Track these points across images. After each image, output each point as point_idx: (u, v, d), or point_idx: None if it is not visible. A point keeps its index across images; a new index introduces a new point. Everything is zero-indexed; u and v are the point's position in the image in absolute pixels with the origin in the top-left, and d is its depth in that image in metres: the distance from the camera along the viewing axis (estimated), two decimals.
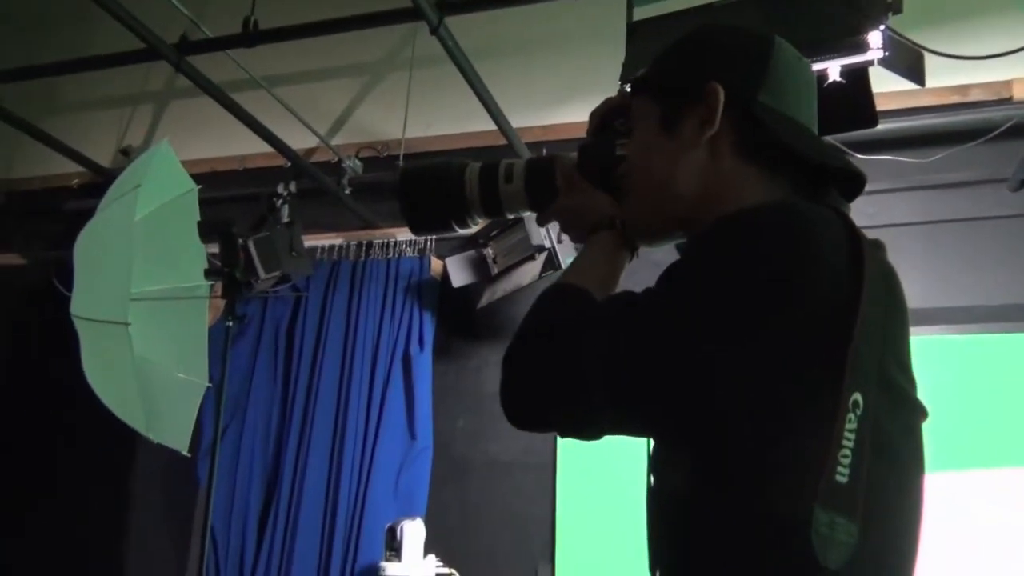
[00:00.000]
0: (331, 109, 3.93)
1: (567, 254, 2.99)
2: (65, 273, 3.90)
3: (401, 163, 3.68)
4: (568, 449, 3.21)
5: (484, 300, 3.27)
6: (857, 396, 0.76)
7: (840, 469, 0.75)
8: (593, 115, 1.16)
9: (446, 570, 2.96)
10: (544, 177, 1.16)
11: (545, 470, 3.28)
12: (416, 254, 3.63)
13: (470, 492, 3.35)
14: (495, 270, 3.20)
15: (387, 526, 2.97)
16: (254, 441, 3.48)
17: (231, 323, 2.32)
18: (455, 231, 1.25)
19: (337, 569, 3.20)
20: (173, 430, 2.27)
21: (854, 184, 0.98)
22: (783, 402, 0.78)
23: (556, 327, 0.88)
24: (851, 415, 0.76)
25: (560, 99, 3.62)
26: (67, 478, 3.79)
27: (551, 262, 3.02)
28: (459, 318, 3.50)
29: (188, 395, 2.33)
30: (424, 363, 3.41)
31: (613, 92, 1.24)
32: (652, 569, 0.90)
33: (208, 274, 2.39)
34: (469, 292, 3.35)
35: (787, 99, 0.98)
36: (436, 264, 3.58)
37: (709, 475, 0.81)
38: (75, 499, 3.73)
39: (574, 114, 3.59)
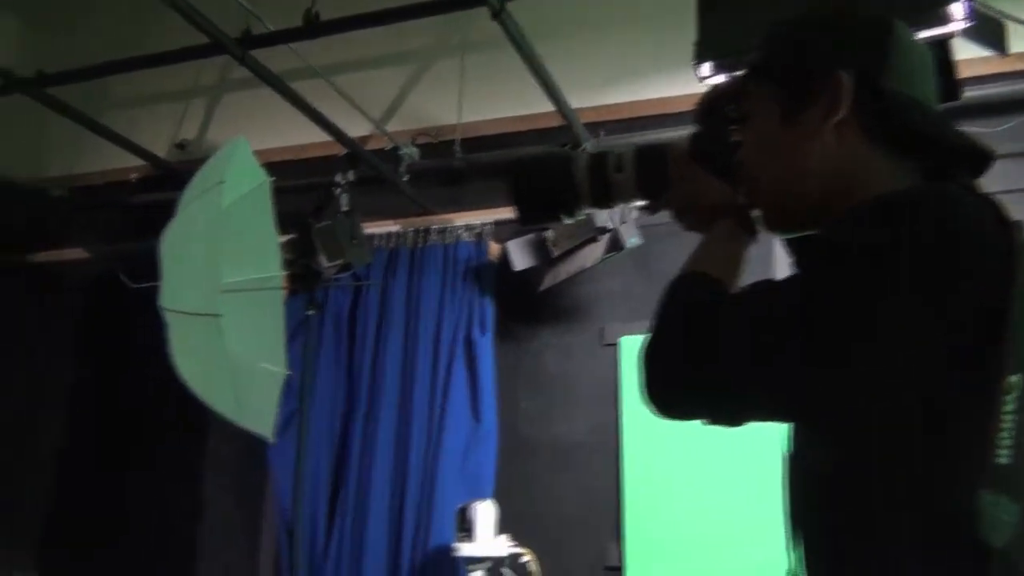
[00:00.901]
0: (383, 97, 3.95)
1: (631, 235, 2.99)
2: (129, 266, 3.99)
3: (458, 149, 3.70)
4: (634, 429, 3.23)
5: (546, 283, 3.28)
6: (1014, 378, 0.77)
7: (1000, 451, 0.76)
8: (702, 101, 1.16)
9: (519, 549, 2.99)
10: (656, 166, 1.16)
11: (610, 451, 3.30)
12: (473, 239, 3.65)
13: (536, 473, 3.39)
14: (556, 252, 3.21)
15: (458, 507, 3.01)
16: (319, 427, 3.53)
17: (312, 312, 2.36)
18: (561, 222, 1.26)
19: (408, 551, 3.25)
20: (259, 418, 2.32)
21: (980, 160, 0.97)
22: (944, 385, 0.78)
23: (693, 315, 0.89)
24: (1008, 396, 0.76)
25: (613, 79, 3.61)
26: (138, 466, 3.89)
27: (614, 243, 3.02)
28: (519, 301, 3.52)
29: (271, 384, 2.38)
30: (486, 346, 3.44)
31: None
32: (793, 528, 0.92)
33: (288, 264, 2.43)
34: (529, 275, 3.37)
35: (910, 80, 0.97)
36: (494, 248, 3.60)
37: (860, 455, 0.82)
38: (146, 488, 3.83)
39: (629, 94, 3.57)
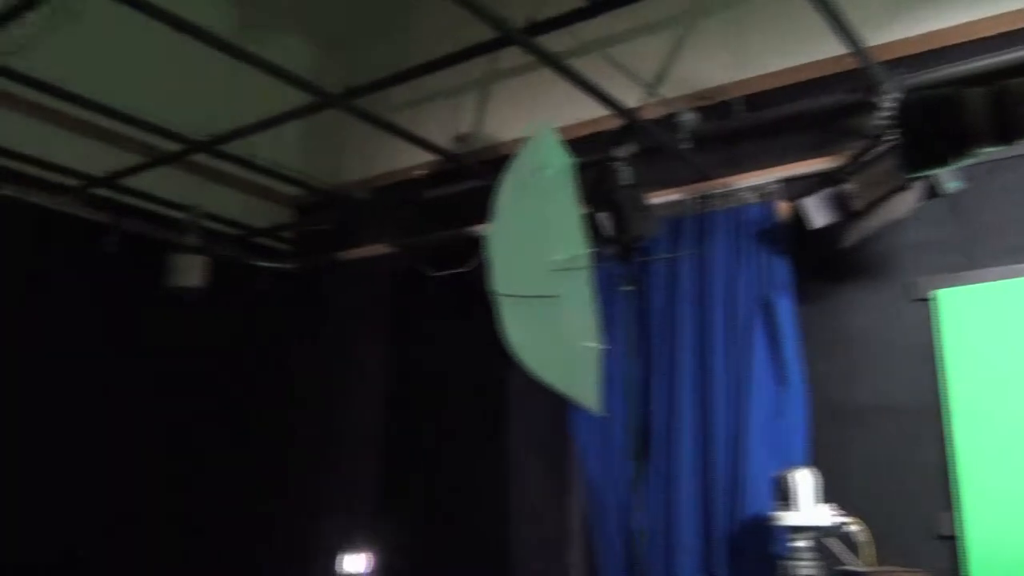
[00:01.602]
0: (650, 65, 3.91)
1: (950, 179, 2.73)
2: (427, 257, 4.29)
3: (737, 107, 3.60)
4: (963, 391, 2.96)
5: (852, 238, 3.10)
6: None
7: None
8: None
9: (846, 518, 2.87)
10: None
11: (930, 413, 3.06)
12: (760, 199, 3.53)
13: (847, 438, 3.23)
14: (858, 206, 3.01)
15: (774, 475, 2.95)
16: (616, 397, 3.59)
17: (630, 288, 2.40)
18: (950, 166, 1.18)
19: (720, 520, 3.24)
20: (587, 393, 2.41)
21: None
22: None
23: None
24: None
25: (905, 7, 3.31)
26: (447, 438, 4.18)
27: (930, 189, 2.77)
28: (817, 259, 3.36)
29: (591, 358, 2.46)
30: (786, 308, 3.32)
31: None
32: None
33: (605, 242, 2.48)
34: (825, 233, 3.19)
35: None
36: (784, 207, 3.46)
37: None
38: (456, 459, 4.12)
39: (927, 22, 3.26)
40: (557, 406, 3.47)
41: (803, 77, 3.52)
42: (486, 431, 4.04)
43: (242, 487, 4.48)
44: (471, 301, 4.05)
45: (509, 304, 2.17)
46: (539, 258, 2.05)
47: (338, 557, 3.99)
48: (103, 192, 4.09)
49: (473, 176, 4.01)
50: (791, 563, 2.84)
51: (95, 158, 4.02)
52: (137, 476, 4.14)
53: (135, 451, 4.16)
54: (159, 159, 3.91)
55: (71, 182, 3.98)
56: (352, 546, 4.04)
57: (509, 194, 2.23)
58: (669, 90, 3.81)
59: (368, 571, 4.10)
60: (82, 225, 4.06)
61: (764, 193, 3.53)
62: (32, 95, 3.61)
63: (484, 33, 2.90)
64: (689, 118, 3.55)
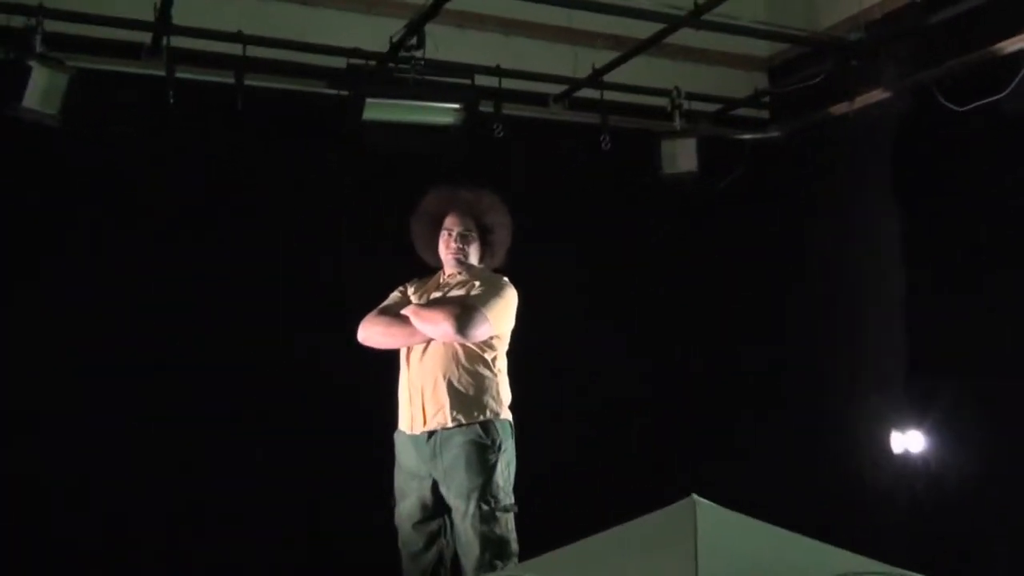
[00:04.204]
0: None
1: None
2: (942, 92, 3.54)
3: None
4: None
5: None
6: None
7: None
8: None
9: None
10: None
11: None
12: None
13: None
14: None
15: None
16: None
17: None
18: None
19: None
20: None
21: None
22: None
23: None
24: None
25: None
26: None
27: None
28: None
29: None
30: None
31: None
32: None
33: None
34: None
35: None
36: None
37: None
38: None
39: None
40: None
41: None
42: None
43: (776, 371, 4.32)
44: (1010, 133, 3.34)
45: None
46: None
47: (889, 435, 3.68)
48: (587, 93, 4.08)
49: None
50: None
51: (564, 60, 4.04)
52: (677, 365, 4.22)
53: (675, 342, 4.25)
54: (638, 47, 3.76)
55: (555, 89, 4.03)
56: (902, 424, 3.70)
57: None
58: None
59: (920, 450, 3.73)
60: (569, 129, 4.10)
61: None
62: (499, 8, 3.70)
63: None
64: None
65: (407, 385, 2.58)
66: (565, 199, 4.04)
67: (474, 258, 2.65)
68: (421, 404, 2.51)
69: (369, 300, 2.68)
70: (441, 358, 2.51)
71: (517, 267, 2.74)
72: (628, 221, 4.24)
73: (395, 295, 2.69)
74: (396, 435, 2.63)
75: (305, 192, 3.65)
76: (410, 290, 2.67)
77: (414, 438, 2.53)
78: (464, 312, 2.42)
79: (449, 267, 2.67)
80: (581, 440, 3.93)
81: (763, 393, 4.30)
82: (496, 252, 2.71)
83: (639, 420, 4.17)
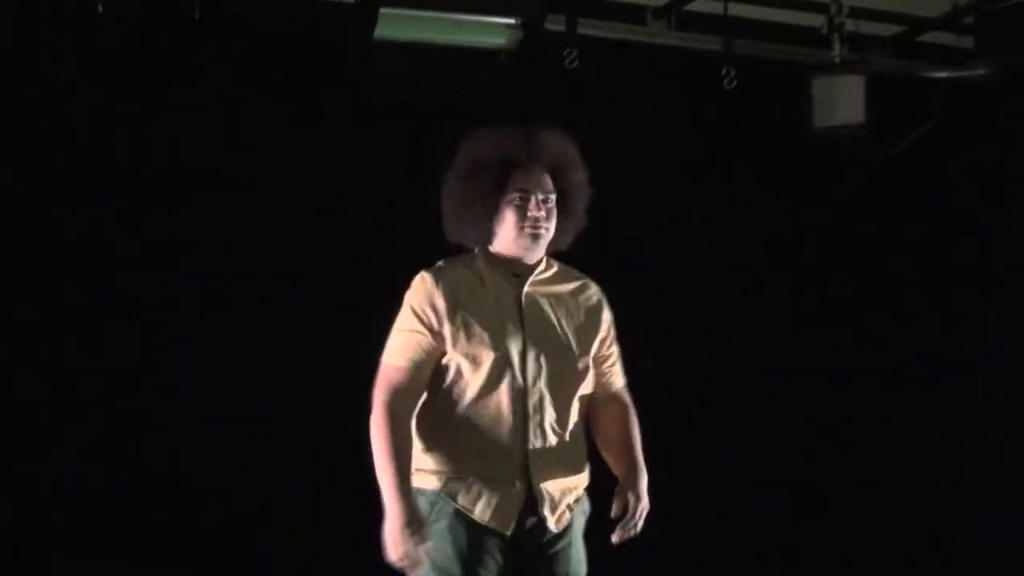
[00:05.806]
0: None
1: None
2: None
3: None
4: None
5: None
6: None
7: None
8: None
9: None
10: None
11: None
12: None
13: None
14: None
15: None
16: None
17: None
18: None
19: None
20: None
21: None
22: None
23: None
24: None
25: None
26: None
27: None
28: None
29: None
30: None
31: None
32: None
33: None
34: None
35: None
36: None
37: None
38: None
39: None
40: None
41: None
42: None
43: None
44: None
45: None
46: None
47: None
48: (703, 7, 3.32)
49: None
50: None
51: None
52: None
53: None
54: None
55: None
56: None
57: None
58: None
59: None
60: (675, 58, 3.45)
61: None
62: None
63: None
64: None
65: None
66: (666, 162, 3.46)
67: (548, 237, 1.99)
68: None
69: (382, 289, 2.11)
70: None
71: (588, 254, 2.06)
72: (760, 195, 3.62)
73: (414, 338, 1.89)
74: None
75: (292, 145, 3.04)
76: (440, 303, 1.87)
77: None
78: None
79: (519, 249, 1.95)
80: None
81: None
82: (568, 229, 2.03)
83: None
